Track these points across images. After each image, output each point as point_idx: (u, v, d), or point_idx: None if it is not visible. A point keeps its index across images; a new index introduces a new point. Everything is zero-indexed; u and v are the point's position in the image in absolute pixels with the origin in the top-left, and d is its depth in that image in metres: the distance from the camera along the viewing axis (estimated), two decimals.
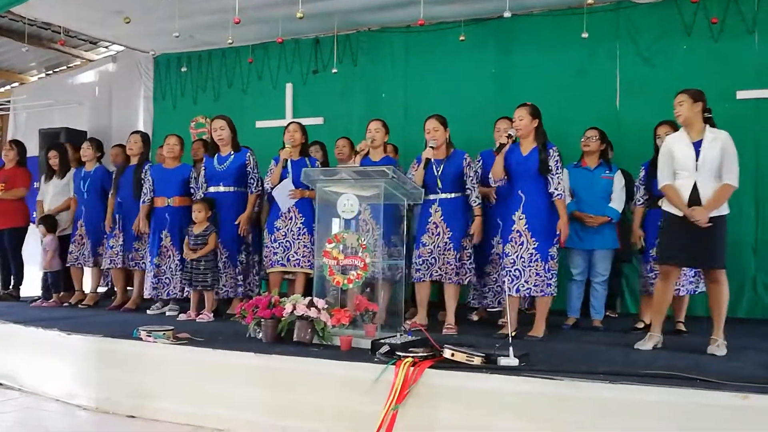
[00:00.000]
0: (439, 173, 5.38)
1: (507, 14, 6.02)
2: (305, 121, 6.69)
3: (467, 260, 5.38)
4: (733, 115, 6.26)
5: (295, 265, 5.86)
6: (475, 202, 5.40)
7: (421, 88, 7.71)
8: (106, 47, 9.48)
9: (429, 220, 5.38)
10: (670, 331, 4.91)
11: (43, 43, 8.85)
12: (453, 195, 5.39)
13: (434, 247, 5.34)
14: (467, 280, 5.42)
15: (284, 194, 5.90)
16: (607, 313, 6.03)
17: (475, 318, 6.06)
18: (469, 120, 6.86)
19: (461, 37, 6.86)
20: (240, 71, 8.69)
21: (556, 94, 6.90)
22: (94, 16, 7.57)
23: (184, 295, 6.29)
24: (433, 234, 5.36)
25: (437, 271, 5.33)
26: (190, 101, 8.99)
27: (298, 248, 5.86)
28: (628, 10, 6.91)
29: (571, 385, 3.45)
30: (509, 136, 5.08)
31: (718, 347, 4.32)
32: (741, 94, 6.40)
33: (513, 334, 4.01)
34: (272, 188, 5.92)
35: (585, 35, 6.40)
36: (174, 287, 6.29)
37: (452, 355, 3.78)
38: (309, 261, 5.80)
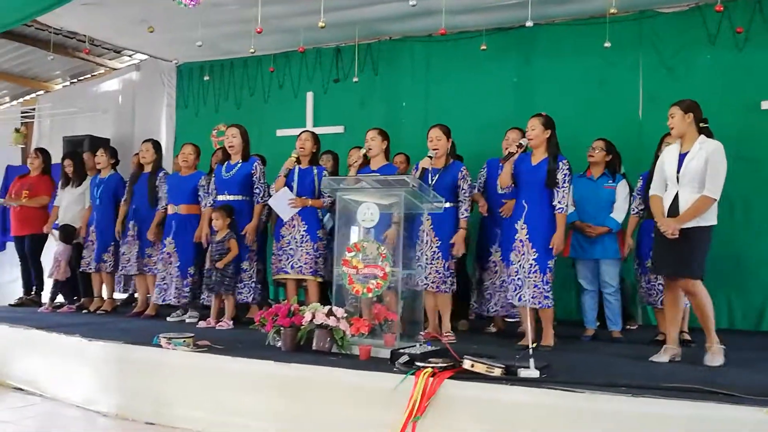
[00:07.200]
0: (434, 183, 5.37)
1: (529, 23, 5.99)
2: (325, 130, 6.71)
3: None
4: (758, 125, 6.18)
5: (298, 272, 5.86)
6: (463, 214, 5.36)
7: (441, 97, 7.68)
8: (130, 56, 9.56)
9: (421, 229, 5.36)
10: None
11: (68, 52, 8.95)
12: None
13: (423, 255, 5.33)
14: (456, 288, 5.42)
15: (282, 203, 5.91)
16: (627, 326, 5.95)
17: (494, 329, 6.02)
18: (489, 129, 6.81)
19: (483, 47, 6.82)
20: (261, 80, 8.72)
21: (578, 104, 6.86)
22: (119, 25, 7.65)
23: (180, 302, 6.35)
24: (423, 243, 5.35)
25: (423, 281, 5.28)
26: (212, 109, 9.03)
27: (301, 255, 5.87)
28: (651, 20, 6.83)
29: (591, 398, 3.42)
30: (520, 145, 5.09)
31: (713, 356, 4.28)
32: (766, 105, 6.30)
33: (534, 345, 3.97)
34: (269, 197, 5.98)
35: (607, 45, 6.31)
36: (170, 294, 6.32)
37: (472, 366, 3.76)
38: (311, 268, 5.85)
